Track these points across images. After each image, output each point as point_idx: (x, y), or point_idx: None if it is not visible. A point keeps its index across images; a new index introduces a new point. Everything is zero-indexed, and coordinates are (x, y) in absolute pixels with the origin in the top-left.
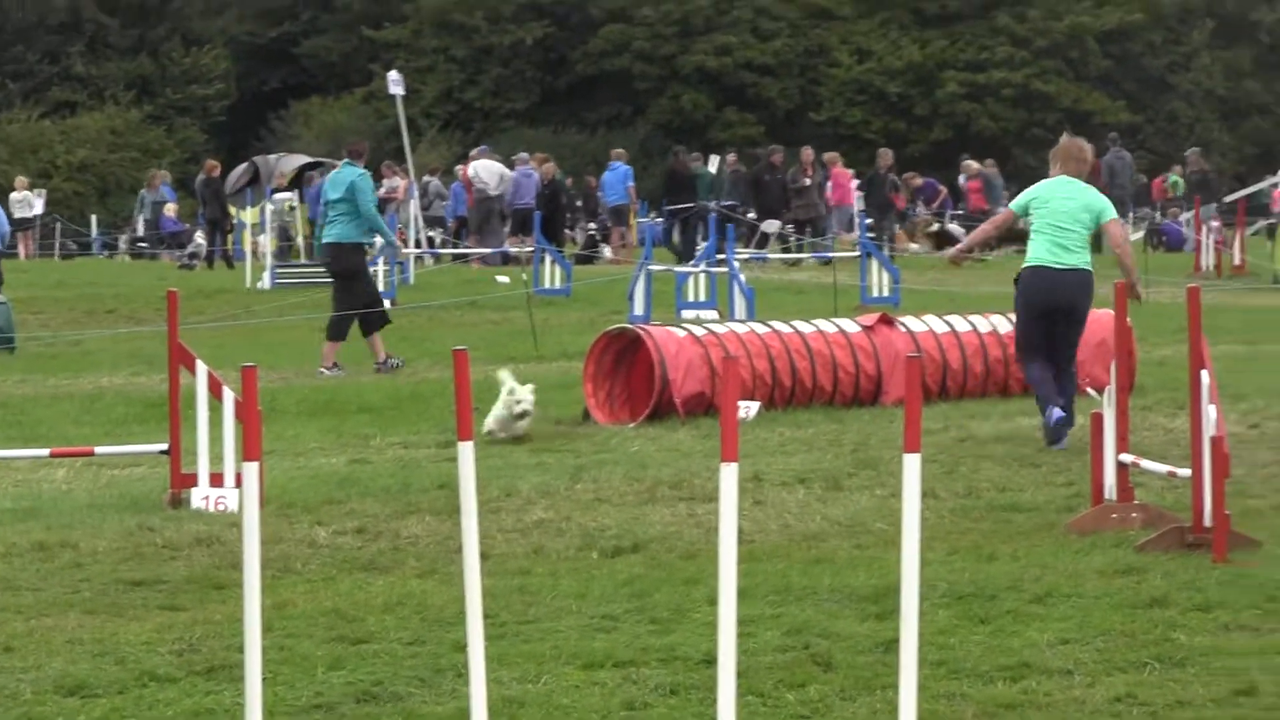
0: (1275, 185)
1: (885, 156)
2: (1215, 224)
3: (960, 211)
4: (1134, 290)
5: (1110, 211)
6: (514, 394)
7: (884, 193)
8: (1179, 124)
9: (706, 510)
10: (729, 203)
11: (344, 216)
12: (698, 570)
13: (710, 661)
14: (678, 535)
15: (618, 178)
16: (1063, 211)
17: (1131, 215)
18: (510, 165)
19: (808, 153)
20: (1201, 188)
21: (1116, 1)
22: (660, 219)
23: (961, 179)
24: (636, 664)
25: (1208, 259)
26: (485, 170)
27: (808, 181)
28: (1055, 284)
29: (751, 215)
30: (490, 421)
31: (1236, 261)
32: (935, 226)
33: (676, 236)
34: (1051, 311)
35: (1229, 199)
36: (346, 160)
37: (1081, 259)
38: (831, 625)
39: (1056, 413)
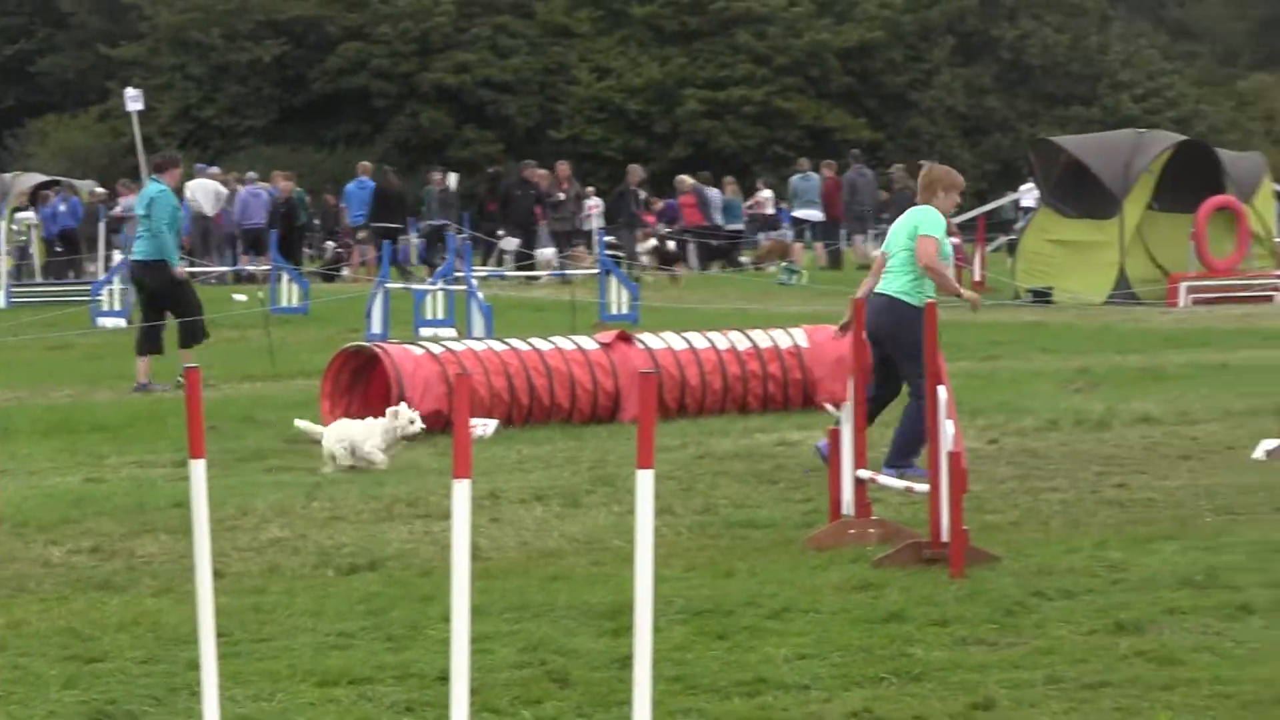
0: (1016, 202)
1: (634, 173)
2: (955, 240)
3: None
4: (968, 301)
5: (923, 227)
6: (399, 415)
7: (631, 209)
8: (920, 140)
9: (443, 527)
10: (438, 222)
11: (148, 233)
12: (434, 587)
13: (446, 678)
14: (414, 553)
15: (366, 195)
16: (891, 241)
17: (872, 232)
18: (242, 184)
19: (563, 168)
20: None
21: (857, 19)
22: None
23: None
24: (372, 681)
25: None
26: (201, 191)
27: (563, 196)
28: (868, 310)
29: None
30: (377, 440)
31: (977, 278)
32: (653, 243)
33: (416, 257)
34: (869, 337)
35: (968, 216)
36: (153, 175)
37: (895, 283)
38: (568, 642)
39: (820, 443)
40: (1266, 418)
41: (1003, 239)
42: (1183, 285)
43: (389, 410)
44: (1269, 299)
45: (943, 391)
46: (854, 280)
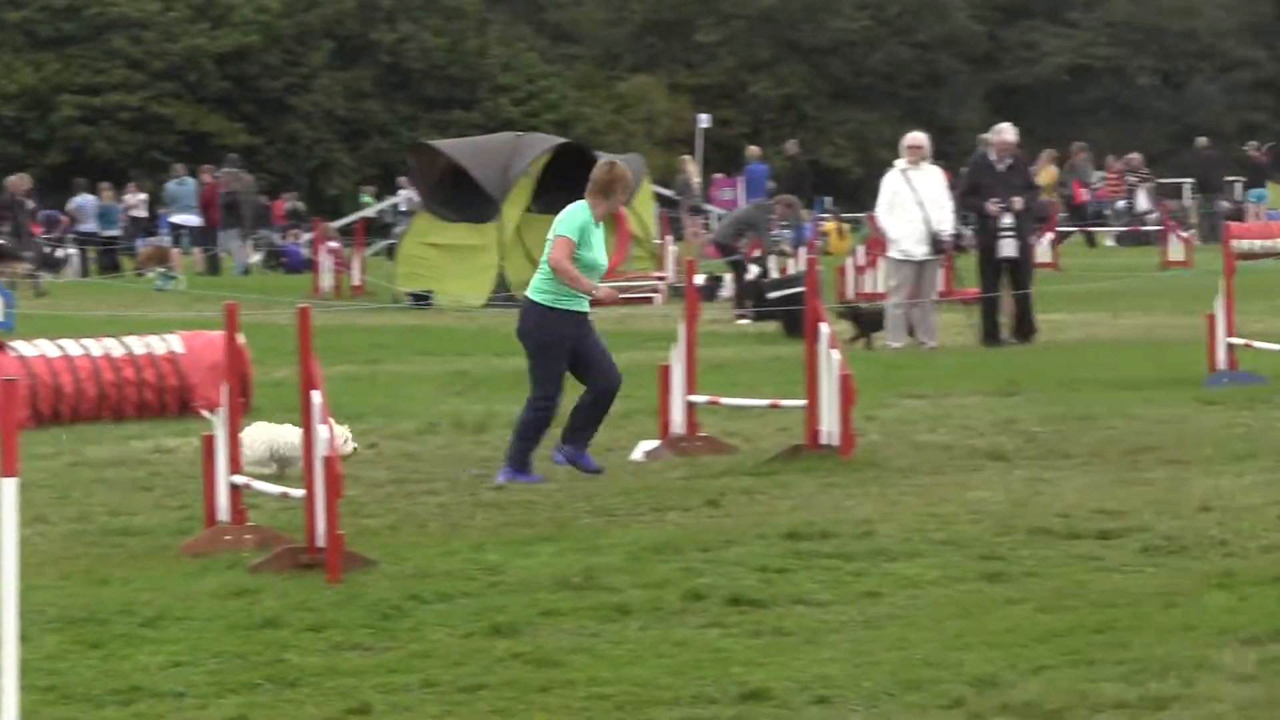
0: (395, 205)
1: (20, 182)
2: (335, 245)
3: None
4: (603, 297)
5: (559, 227)
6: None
7: (20, 219)
8: (299, 145)
9: None
10: None
11: None
12: None
13: None
14: None
15: None
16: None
17: (250, 238)
18: None
19: None
20: (230, 209)
21: (233, 23)
22: None
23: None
24: None
25: (327, 280)
26: None
27: None
28: None
29: None
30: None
31: (356, 282)
32: None
33: None
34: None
35: (347, 220)
36: None
37: (533, 282)
38: None
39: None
40: (645, 419)
41: (382, 243)
42: None
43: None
44: (649, 300)
45: (316, 396)
46: (234, 285)
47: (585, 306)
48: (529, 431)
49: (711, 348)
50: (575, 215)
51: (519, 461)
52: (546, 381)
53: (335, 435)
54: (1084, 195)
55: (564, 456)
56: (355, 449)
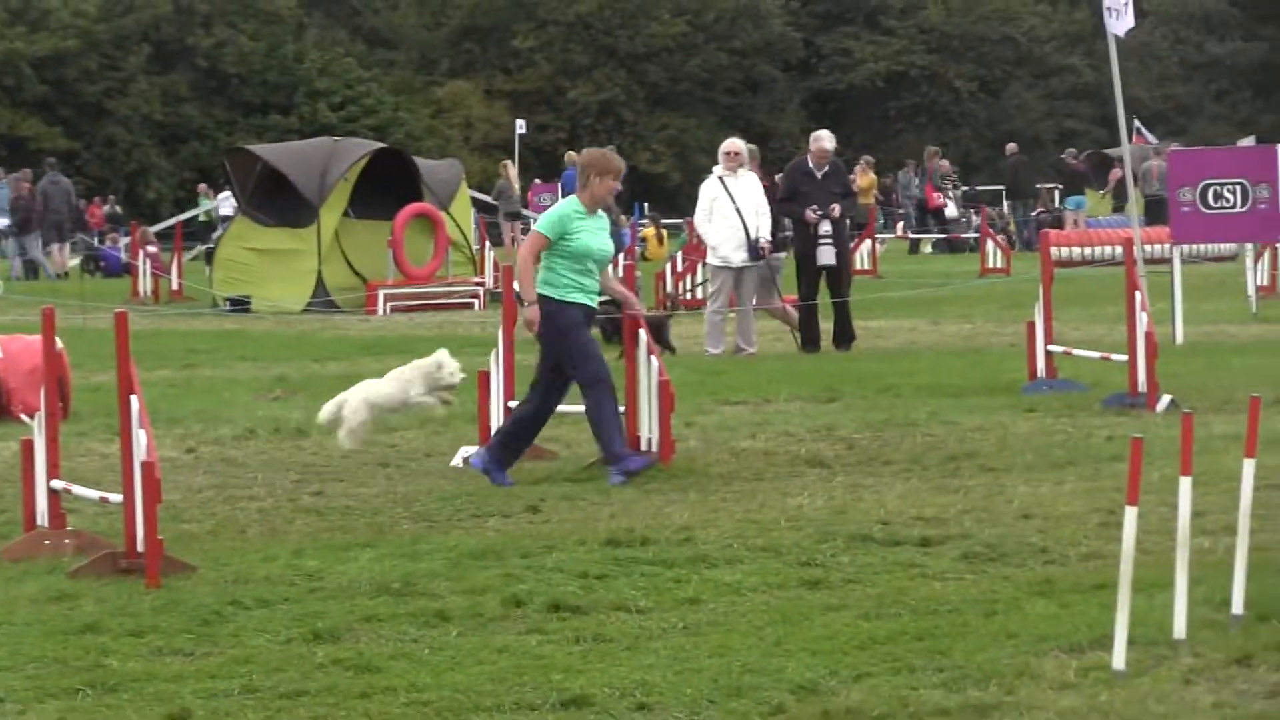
0: (215, 209)
1: None
2: (153, 249)
3: None
4: (518, 300)
5: (537, 223)
6: (443, 366)
7: None
8: (117, 149)
9: None
10: None
11: None
12: None
13: None
14: None
15: None
16: None
17: (68, 243)
18: None
19: None
20: (15, 213)
21: (50, 27)
22: None
23: None
24: None
25: (146, 284)
26: None
27: None
28: None
29: None
30: (419, 388)
31: (175, 286)
32: None
33: None
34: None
35: (166, 224)
36: None
37: (537, 280)
38: None
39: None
40: (465, 425)
41: (200, 247)
42: (381, 293)
43: (434, 357)
44: (469, 305)
45: (135, 401)
46: (52, 290)
47: (592, 300)
48: (603, 414)
49: (531, 354)
50: (556, 209)
51: (612, 453)
52: (584, 360)
53: (445, 364)
54: (938, 199)
55: (480, 461)
56: (462, 379)
